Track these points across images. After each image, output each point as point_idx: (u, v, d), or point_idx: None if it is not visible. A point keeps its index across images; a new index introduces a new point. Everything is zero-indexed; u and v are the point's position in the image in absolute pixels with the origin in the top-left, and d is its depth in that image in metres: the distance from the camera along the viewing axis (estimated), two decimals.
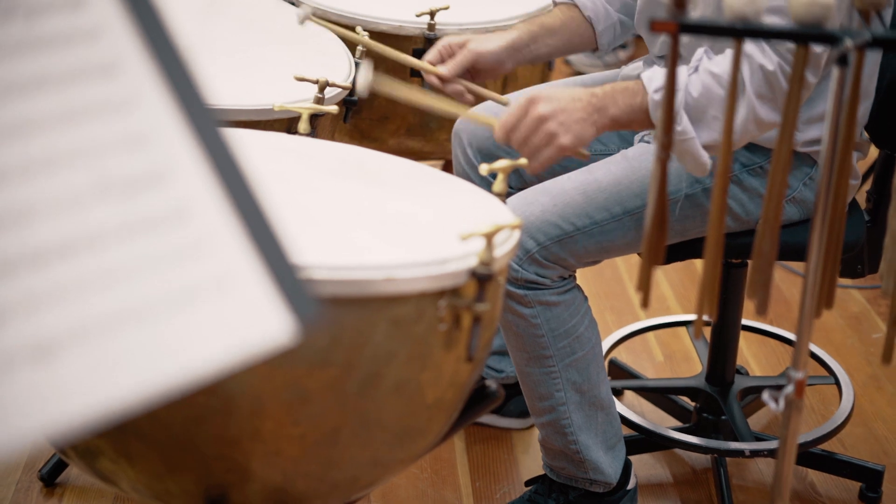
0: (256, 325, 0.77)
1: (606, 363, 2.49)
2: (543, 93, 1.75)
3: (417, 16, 2.35)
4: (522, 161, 1.72)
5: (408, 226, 1.54)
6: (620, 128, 1.79)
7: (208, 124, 0.79)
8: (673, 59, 1.32)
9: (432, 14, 2.35)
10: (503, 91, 2.50)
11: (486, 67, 2.04)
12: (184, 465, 1.40)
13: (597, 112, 1.75)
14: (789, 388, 1.42)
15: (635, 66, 2.13)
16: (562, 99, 1.74)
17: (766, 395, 1.41)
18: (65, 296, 0.72)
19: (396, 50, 2.30)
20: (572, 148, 1.74)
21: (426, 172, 1.75)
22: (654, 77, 1.75)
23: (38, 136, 0.74)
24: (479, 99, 2.15)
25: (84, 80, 0.78)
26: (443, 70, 2.03)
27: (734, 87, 1.31)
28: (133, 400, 0.71)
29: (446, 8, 2.36)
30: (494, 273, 1.42)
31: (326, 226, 1.51)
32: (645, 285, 1.50)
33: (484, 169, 1.64)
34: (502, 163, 1.67)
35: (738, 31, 1.29)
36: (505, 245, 1.48)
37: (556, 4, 2.19)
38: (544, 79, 2.63)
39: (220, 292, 0.77)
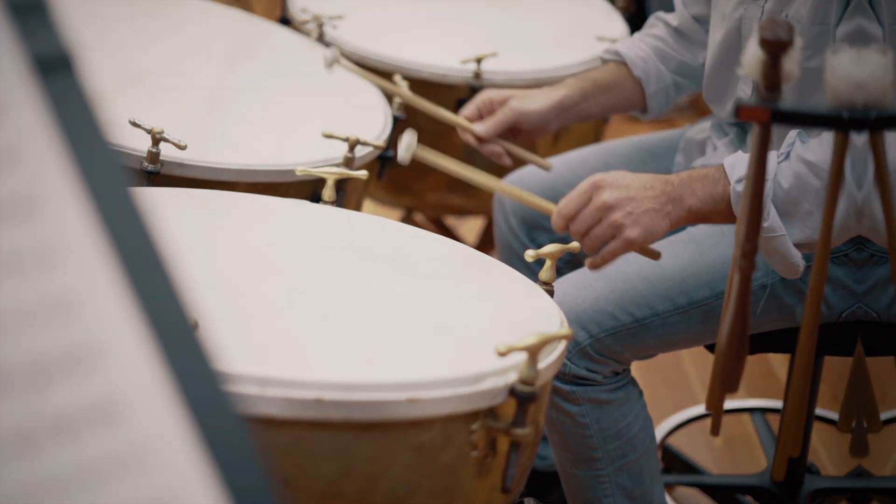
0: None
1: (660, 452, 2.26)
2: (609, 178, 1.52)
3: (462, 63, 2.14)
4: (574, 245, 1.51)
5: (435, 329, 1.32)
6: (699, 221, 1.56)
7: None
8: (762, 153, 1.10)
9: (479, 61, 2.14)
10: (555, 147, 2.28)
11: (530, 128, 1.84)
12: None
13: (671, 202, 1.52)
14: None
15: (701, 129, 1.90)
16: (631, 186, 1.51)
17: None
18: None
19: (440, 99, 2.10)
20: (641, 242, 1.51)
21: (461, 254, 1.53)
22: (737, 164, 1.51)
23: None
24: (519, 161, 1.93)
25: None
26: (480, 129, 1.82)
27: (836, 182, 1.08)
28: None
29: (494, 55, 2.15)
30: (537, 392, 1.20)
31: (337, 328, 1.29)
32: (716, 409, 1.28)
33: (530, 255, 1.45)
34: (551, 248, 1.46)
35: (843, 123, 1.07)
36: (551, 356, 1.26)
37: (604, 62, 1.96)
38: (598, 132, 2.41)
39: None
